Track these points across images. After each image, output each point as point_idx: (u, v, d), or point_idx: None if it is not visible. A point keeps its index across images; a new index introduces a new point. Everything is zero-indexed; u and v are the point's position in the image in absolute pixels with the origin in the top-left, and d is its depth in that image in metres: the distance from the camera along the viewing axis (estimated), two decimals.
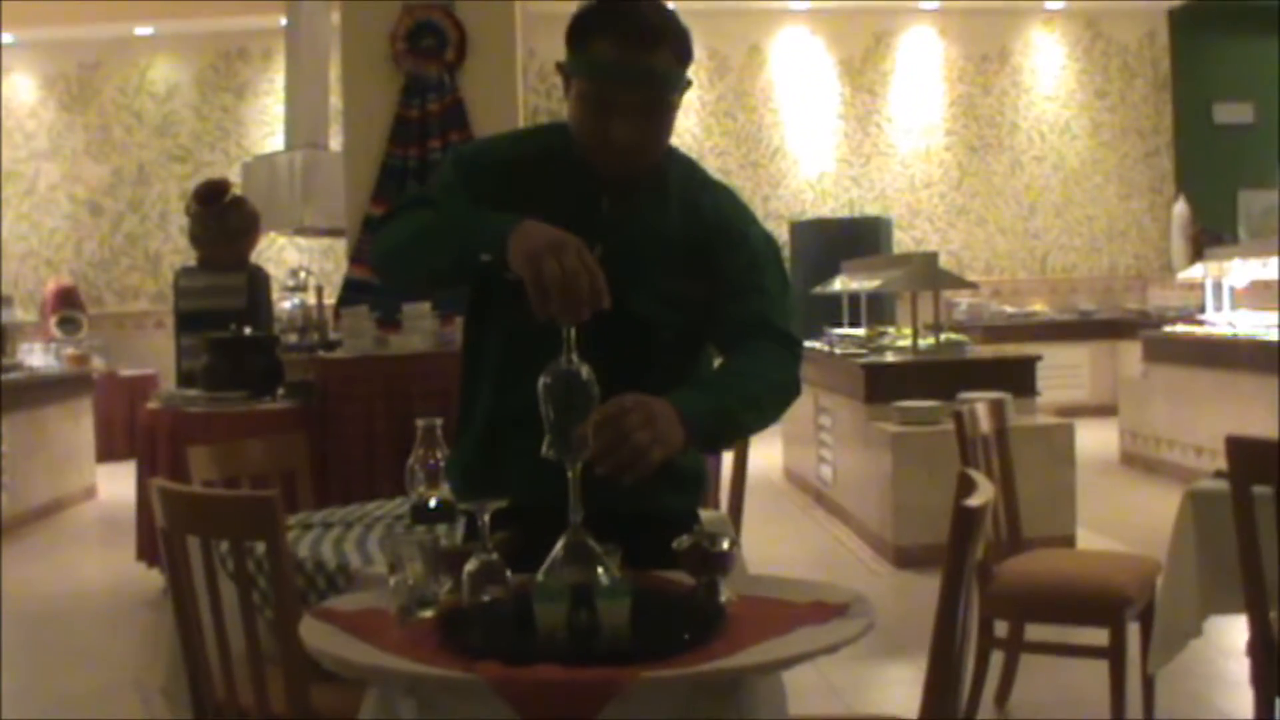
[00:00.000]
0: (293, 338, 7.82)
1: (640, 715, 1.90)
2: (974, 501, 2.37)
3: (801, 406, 9.20)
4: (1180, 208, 13.89)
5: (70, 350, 11.47)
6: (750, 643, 2.00)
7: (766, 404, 2.40)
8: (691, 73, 2.41)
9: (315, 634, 2.12)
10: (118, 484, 9.59)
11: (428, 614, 2.16)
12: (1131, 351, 10.93)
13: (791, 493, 9.36)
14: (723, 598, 2.18)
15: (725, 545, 2.18)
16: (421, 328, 6.39)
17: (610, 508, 2.18)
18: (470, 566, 2.13)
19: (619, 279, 2.26)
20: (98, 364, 11.99)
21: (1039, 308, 13.81)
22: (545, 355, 2.12)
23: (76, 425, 10.04)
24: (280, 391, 6.68)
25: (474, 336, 2.55)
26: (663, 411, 2.14)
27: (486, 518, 2.16)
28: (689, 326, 2.46)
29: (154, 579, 6.42)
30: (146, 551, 6.53)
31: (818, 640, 2.05)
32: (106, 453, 11.17)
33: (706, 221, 2.46)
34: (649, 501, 2.36)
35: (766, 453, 9.65)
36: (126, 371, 12.63)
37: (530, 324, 2.14)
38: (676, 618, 2.11)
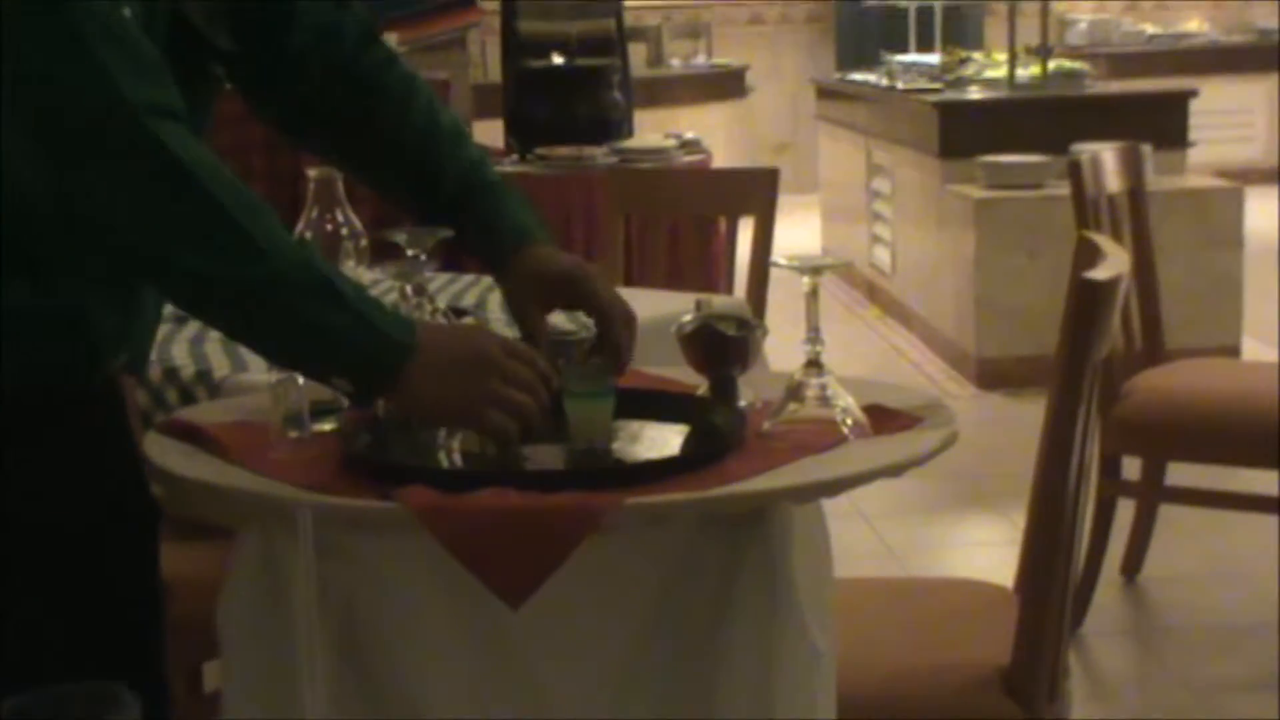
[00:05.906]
0: None
1: (627, 558, 1.93)
2: (1101, 274, 2.36)
3: (848, 167, 9.19)
4: None
5: None
6: (779, 461, 2.01)
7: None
8: None
9: (164, 453, 2.11)
10: None
11: (326, 426, 2.17)
12: None
13: (835, 285, 9.36)
14: (741, 401, 2.20)
15: (744, 328, 2.20)
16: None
17: None
18: None
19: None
20: None
21: (1195, 26, 13.71)
22: None
23: None
24: None
25: None
26: None
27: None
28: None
29: None
30: None
31: (875, 458, 2.05)
32: None
33: None
34: None
35: (798, 227, 9.65)
36: None
37: None
38: (677, 426, 2.13)
